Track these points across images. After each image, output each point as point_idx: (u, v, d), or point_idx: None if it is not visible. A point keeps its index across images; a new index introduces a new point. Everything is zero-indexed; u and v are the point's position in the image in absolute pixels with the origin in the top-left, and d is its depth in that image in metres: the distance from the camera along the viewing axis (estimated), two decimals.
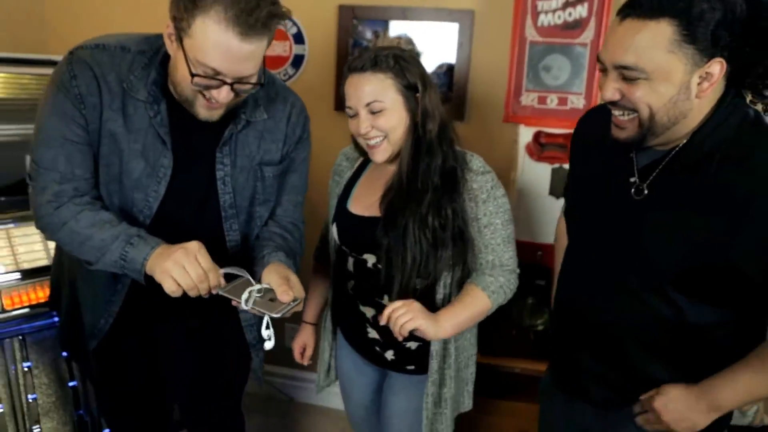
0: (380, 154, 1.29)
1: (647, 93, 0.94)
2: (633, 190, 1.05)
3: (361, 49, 1.29)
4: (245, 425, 1.71)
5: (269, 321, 1.04)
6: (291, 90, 1.35)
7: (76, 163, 1.14)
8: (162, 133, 1.17)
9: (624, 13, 0.94)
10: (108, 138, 1.16)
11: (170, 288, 1.05)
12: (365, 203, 1.38)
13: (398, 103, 1.25)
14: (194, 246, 1.07)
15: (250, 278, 1.09)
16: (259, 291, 1.07)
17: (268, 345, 1.05)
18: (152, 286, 1.09)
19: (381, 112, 1.24)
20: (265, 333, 1.04)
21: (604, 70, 0.99)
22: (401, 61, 1.24)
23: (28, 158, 1.78)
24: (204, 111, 1.13)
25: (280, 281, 1.08)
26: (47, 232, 1.20)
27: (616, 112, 1.01)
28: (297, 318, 2.44)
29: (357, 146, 1.38)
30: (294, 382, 2.60)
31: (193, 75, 1.05)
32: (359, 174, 1.45)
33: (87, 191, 1.17)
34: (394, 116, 1.25)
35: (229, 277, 1.10)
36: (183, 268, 1.04)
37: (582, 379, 1.18)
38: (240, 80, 1.08)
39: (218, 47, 1.01)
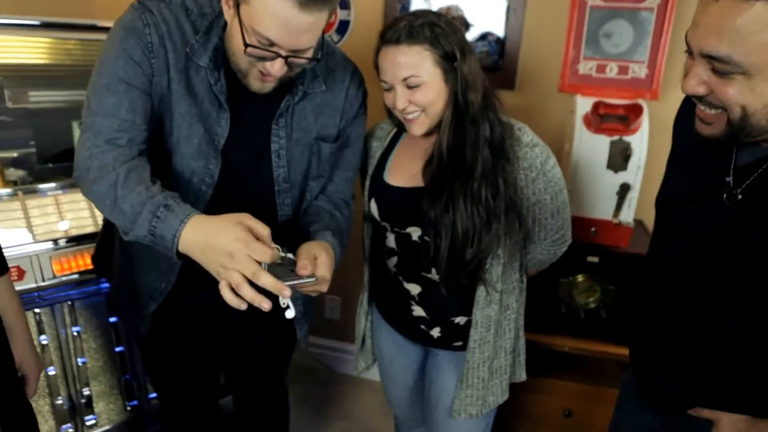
0: (418, 128, 1.24)
1: (743, 92, 0.77)
2: (725, 194, 0.89)
3: (395, 18, 1.22)
4: (288, 395, 1.72)
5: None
6: (351, 62, 1.29)
7: (137, 112, 1.08)
8: (222, 100, 1.13)
9: None
10: (170, 98, 1.12)
11: (232, 301, 0.93)
12: (405, 174, 1.32)
13: (436, 76, 1.18)
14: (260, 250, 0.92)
15: (286, 249, 1.05)
16: (281, 259, 1.01)
17: (289, 314, 1.00)
18: (190, 263, 1.00)
19: (418, 86, 1.18)
20: (281, 301, 0.99)
21: (690, 53, 0.82)
22: (437, 29, 1.16)
23: (75, 124, 1.82)
24: (257, 82, 1.09)
25: (304, 256, 1.04)
26: (87, 176, 1.07)
27: (700, 106, 0.84)
28: (336, 290, 2.45)
29: (392, 117, 1.34)
30: (334, 353, 2.61)
31: (246, 45, 1.00)
32: (393, 145, 1.40)
33: (139, 143, 1.10)
34: (433, 90, 1.19)
35: None
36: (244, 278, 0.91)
37: (648, 385, 1.10)
38: (295, 53, 1.03)
39: (276, 16, 0.96)
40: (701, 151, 0.94)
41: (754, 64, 0.74)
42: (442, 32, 1.16)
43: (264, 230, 0.95)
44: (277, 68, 1.03)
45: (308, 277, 1.00)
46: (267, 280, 0.91)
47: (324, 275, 1.03)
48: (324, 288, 1.06)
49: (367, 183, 1.40)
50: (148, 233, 1.00)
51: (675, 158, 1.10)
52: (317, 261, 1.04)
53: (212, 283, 1.31)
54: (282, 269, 1.00)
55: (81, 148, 1.09)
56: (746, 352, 0.93)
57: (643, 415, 1.16)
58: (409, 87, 1.19)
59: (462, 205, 1.20)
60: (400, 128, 1.36)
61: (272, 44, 1.00)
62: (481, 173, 1.20)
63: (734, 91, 0.77)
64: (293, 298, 1.00)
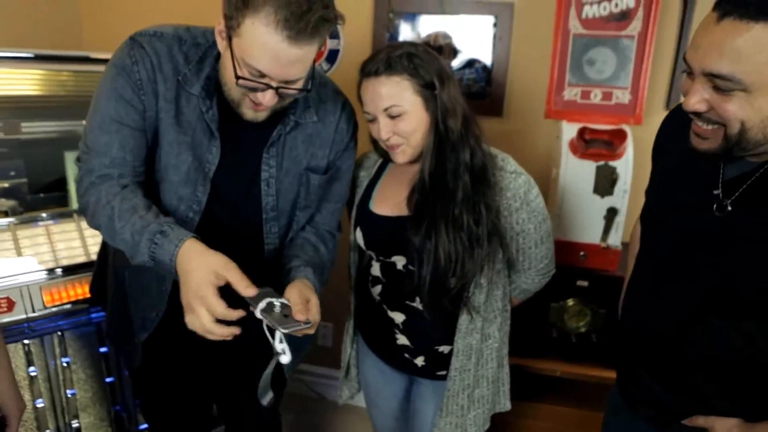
0: (401, 156, 1.26)
1: (742, 107, 0.81)
2: (715, 205, 0.93)
3: (374, 52, 1.25)
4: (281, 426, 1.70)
5: (282, 336, 1.00)
6: (342, 94, 1.32)
7: (128, 149, 1.13)
8: (213, 128, 1.16)
9: (723, 10, 0.79)
10: (161, 128, 1.15)
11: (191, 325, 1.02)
12: (390, 203, 1.34)
13: (417, 105, 1.20)
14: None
15: (273, 291, 1.06)
16: (277, 305, 1.03)
17: (284, 359, 1.01)
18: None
19: (400, 116, 1.20)
20: (278, 347, 1.00)
21: (690, 73, 0.86)
22: (415, 59, 1.18)
23: (66, 154, 1.83)
24: (250, 112, 1.11)
25: (299, 300, 1.05)
26: (87, 212, 1.15)
27: (698, 122, 0.88)
28: (329, 317, 2.44)
29: (377, 148, 1.35)
30: (326, 380, 2.59)
31: (238, 77, 1.03)
32: (379, 175, 1.41)
33: (132, 177, 1.15)
34: (414, 118, 1.21)
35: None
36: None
37: (640, 396, 1.11)
38: (286, 84, 1.05)
39: (266, 50, 0.98)
40: (687, 168, 0.99)
41: (754, 82, 0.78)
42: (421, 62, 1.19)
43: (240, 284, 0.99)
44: (268, 99, 1.06)
45: (305, 322, 1.01)
46: (218, 332, 1.00)
47: (316, 319, 1.05)
48: (312, 331, 1.07)
49: (354, 212, 1.40)
50: (149, 259, 1.05)
51: (657, 179, 1.13)
52: (309, 304, 1.06)
53: None
54: (277, 315, 1.00)
55: (79, 184, 1.16)
56: (739, 358, 0.94)
57: (632, 429, 1.16)
58: (391, 117, 1.21)
59: (444, 232, 1.21)
60: (386, 158, 1.37)
61: (263, 76, 1.02)
62: (462, 198, 1.22)
63: (734, 107, 0.81)
64: (281, 340, 1.01)
